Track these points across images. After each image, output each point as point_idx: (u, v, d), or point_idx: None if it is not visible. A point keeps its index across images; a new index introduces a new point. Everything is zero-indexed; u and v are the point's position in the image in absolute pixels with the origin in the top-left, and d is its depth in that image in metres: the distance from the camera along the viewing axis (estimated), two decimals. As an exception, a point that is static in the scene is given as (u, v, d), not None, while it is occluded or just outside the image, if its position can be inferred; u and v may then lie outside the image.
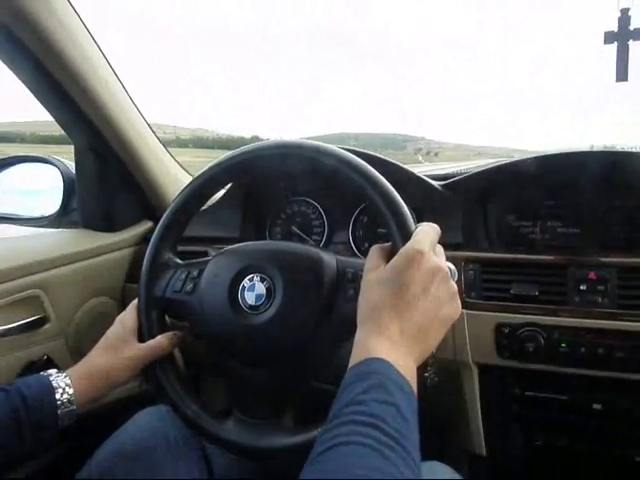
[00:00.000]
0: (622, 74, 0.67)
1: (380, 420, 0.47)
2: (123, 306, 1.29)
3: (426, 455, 0.76)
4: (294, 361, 0.78)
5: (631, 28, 0.65)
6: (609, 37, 0.66)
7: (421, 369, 0.61)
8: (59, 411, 0.74)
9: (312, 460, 0.46)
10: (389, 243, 0.68)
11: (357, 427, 0.47)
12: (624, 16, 0.65)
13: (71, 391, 0.75)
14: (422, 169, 1.22)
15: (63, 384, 0.75)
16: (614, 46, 0.66)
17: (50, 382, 0.75)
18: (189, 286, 0.83)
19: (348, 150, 0.76)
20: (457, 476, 0.81)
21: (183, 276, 0.84)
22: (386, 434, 0.46)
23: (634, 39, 0.65)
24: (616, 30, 0.66)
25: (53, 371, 0.78)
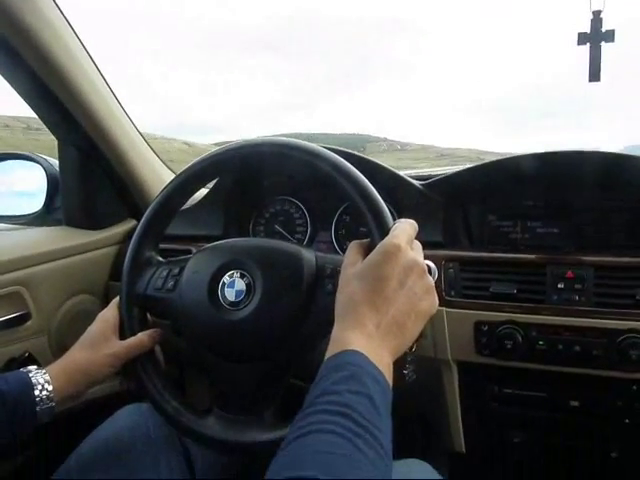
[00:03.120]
0: (595, 75, 0.68)
1: (352, 410, 0.48)
2: (106, 304, 1.27)
3: (408, 452, 0.77)
4: (274, 356, 0.79)
5: (603, 30, 0.67)
6: (582, 38, 0.67)
7: (400, 366, 0.61)
8: (38, 408, 0.74)
9: (283, 447, 0.47)
10: (368, 239, 0.69)
11: (329, 416, 0.48)
12: (596, 18, 0.66)
13: (50, 387, 0.75)
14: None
15: (42, 380, 0.75)
16: (587, 47, 0.68)
17: (29, 378, 0.75)
18: (170, 283, 0.83)
19: (329, 149, 0.77)
20: (435, 474, 0.82)
21: (164, 274, 0.84)
22: (358, 424, 0.47)
23: (606, 41, 0.67)
24: (588, 32, 0.67)
25: (32, 367, 0.78)
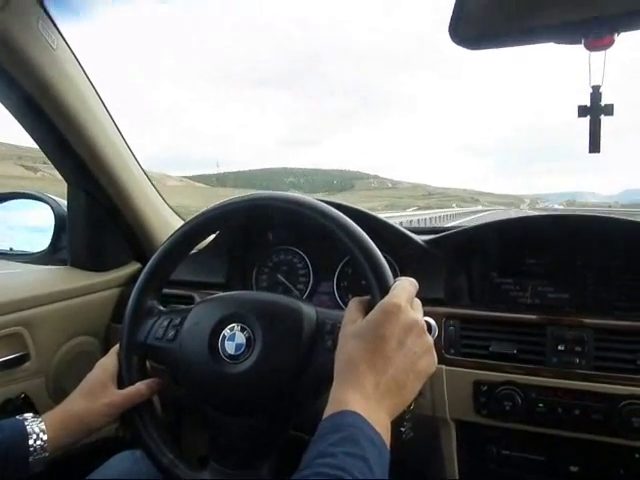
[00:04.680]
0: (595, 146, 0.69)
1: (347, 472, 0.48)
2: (107, 346, 1.28)
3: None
4: (272, 411, 0.79)
5: (602, 104, 0.69)
6: (582, 111, 0.69)
7: (397, 423, 0.61)
8: (31, 458, 0.73)
9: None
10: (368, 296, 0.70)
11: (324, 478, 0.48)
12: (595, 92, 0.69)
13: (45, 437, 0.75)
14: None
15: (38, 430, 0.75)
16: (587, 119, 0.70)
17: (24, 427, 0.74)
18: (171, 333, 0.83)
19: (330, 204, 0.79)
20: None
21: (165, 323, 0.84)
22: None
23: (605, 114, 0.69)
24: (589, 105, 0.69)
25: (29, 415, 0.77)
